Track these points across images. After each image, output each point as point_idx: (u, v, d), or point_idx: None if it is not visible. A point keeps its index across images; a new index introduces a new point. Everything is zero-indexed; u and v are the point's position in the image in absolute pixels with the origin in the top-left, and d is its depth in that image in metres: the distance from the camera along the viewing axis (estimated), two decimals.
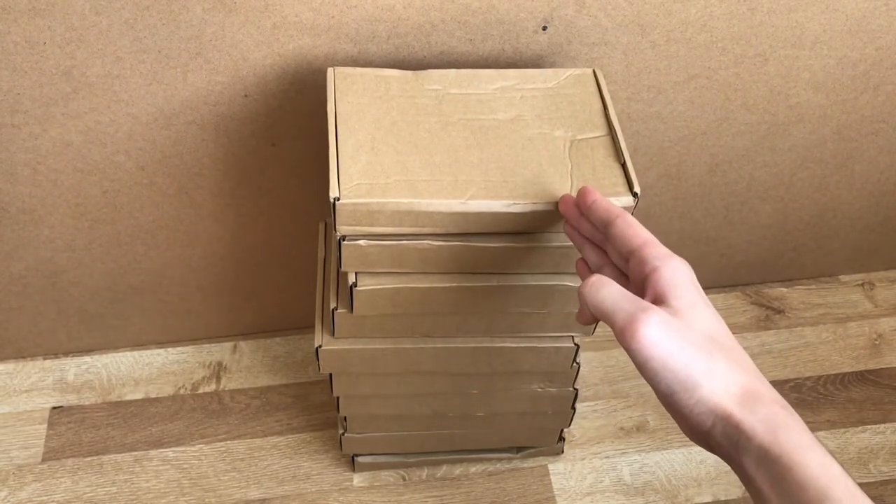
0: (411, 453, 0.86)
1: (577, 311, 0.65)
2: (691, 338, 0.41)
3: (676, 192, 0.87)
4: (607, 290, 0.43)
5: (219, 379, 0.96)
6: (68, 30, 0.61)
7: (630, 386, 0.95)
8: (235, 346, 0.99)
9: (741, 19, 0.69)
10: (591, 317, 0.45)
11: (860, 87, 0.78)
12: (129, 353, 0.97)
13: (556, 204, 0.55)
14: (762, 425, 0.38)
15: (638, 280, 0.45)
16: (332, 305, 0.63)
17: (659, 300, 0.43)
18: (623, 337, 0.41)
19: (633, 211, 0.56)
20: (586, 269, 0.53)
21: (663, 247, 0.46)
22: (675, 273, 0.43)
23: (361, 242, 0.56)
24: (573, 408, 0.78)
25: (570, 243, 0.57)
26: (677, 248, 0.95)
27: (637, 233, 0.47)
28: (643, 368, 0.41)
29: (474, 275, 0.60)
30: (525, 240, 0.57)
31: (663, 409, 0.99)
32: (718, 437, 0.40)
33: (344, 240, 0.56)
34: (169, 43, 0.63)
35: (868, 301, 1.04)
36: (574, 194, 0.53)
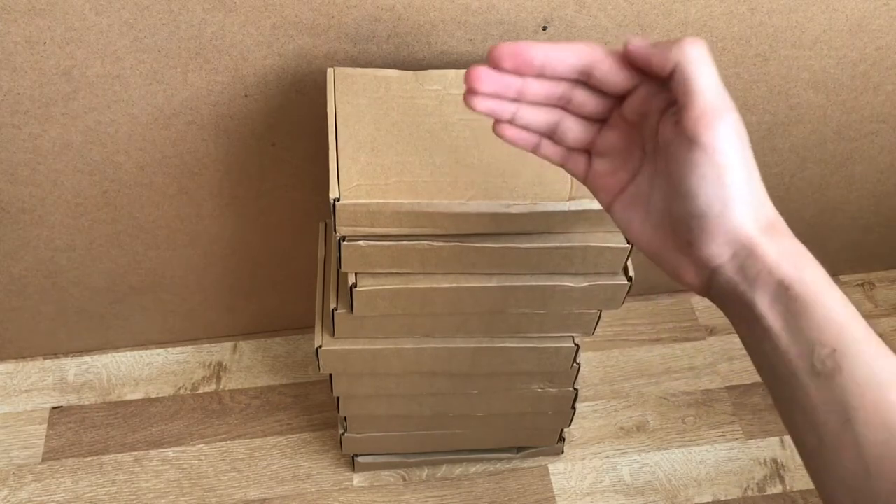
0: (411, 453, 0.86)
1: (577, 311, 0.65)
2: (747, 154, 0.37)
3: None
4: (709, 68, 0.37)
5: (219, 379, 0.96)
6: (68, 30, 0.61)
7: (630, 386, 0.95)
8: (235, 346, 0.99)
9: (741, 19, 0.69)
10: (650, 64, 0.38)
11: (860, 87, 0.78)
12: (129, 353, 0.97)
13: (552, 210, 0.54)
14: (787, 259, 0.36)
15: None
16: (332, 306, 0.63)
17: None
18: (699, 122, 0.36)
19: None
20: (525, 133, 0.44)
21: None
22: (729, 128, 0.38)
23: (361, 243, 0.56)
24: (573, 408, 0.78)
25: (570, 244, 0.57)
26: None
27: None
28: (699, 170, 0.37)
29: (474, 275, 0.60)
30: (525, 240, 0.57)
31: (663, 409, 0.99)
32: (730, 272, 0.37)
33: (344, 240, 0.56)
34: (169, 43, 0.63)
35: (868, 301, 1.04)
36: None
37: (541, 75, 0.40)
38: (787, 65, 0.74)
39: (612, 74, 0.40)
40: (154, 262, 0.85)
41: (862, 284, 1.06)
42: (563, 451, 0.89)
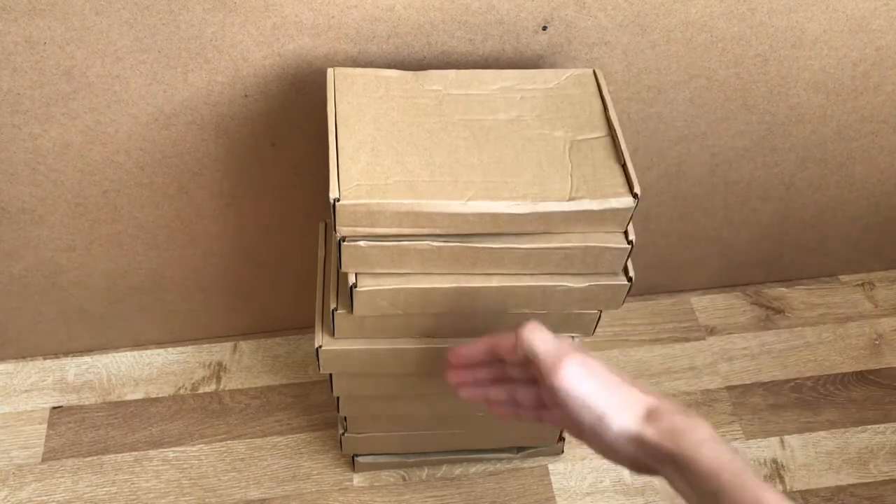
0: (411, 453, 0.86)
1: (577, 311, 0.65)
2: (601, 374, 0.49)
3: (676, 192, 0.87)
4: (541, 335, 0.51)
5: (219, 379, 0.96)
6: (68, 30, 0.61)
7: None
8: (235, 346, 0.99)
9: (741, 19, 0.69)
10: (523, 358, 0.52)
11: (860, 87, 0.78)
12: (129, 353, 0.97)
13: (552, 210, 0.55)
14: (665, 435, 0.46)
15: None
16: (332, 306, 0.63)
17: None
18: (549, 376, 0.49)
19: (633, 212, 0.56)
20: (501, 406, 0.59)
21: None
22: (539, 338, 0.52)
23: (361, 243, 0.56)
24: None
25: (571, 244, 0.58)
26: (677, 248, 0.96)
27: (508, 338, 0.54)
28: (567, 406, 0.49)
29: (474, 275, 0.60)
30: (525, 240, 0.57)
31: None
32: (642, 457, 0.47)
33: (344, 241, 0.56)
34: (169, 43, 0.63)
35: (868, 301, 1.04)
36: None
37: (480, 364, 0.58)
38: (787, 65, 0.74)
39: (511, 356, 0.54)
40: (154, 262, 0.85)
41: (862, 284, 1.06)
42: (563, 451, 0.89)
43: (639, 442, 0.47)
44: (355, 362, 0.69)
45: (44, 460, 0.89)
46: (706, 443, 0.45)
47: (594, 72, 0.64)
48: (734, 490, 0.42)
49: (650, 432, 0.46)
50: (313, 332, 0.68)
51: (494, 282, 0.61)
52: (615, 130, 0.59)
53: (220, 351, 0.98)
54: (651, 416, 0.47)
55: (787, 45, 0.72)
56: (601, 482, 0.88)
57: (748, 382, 0.96)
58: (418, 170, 0.56)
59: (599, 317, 0.66)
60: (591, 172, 0.56)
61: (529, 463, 0.89)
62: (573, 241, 0.57)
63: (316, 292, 0.69)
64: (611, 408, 0.47)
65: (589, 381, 0.48)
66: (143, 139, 0.71)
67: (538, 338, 0.51)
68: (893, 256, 1.05)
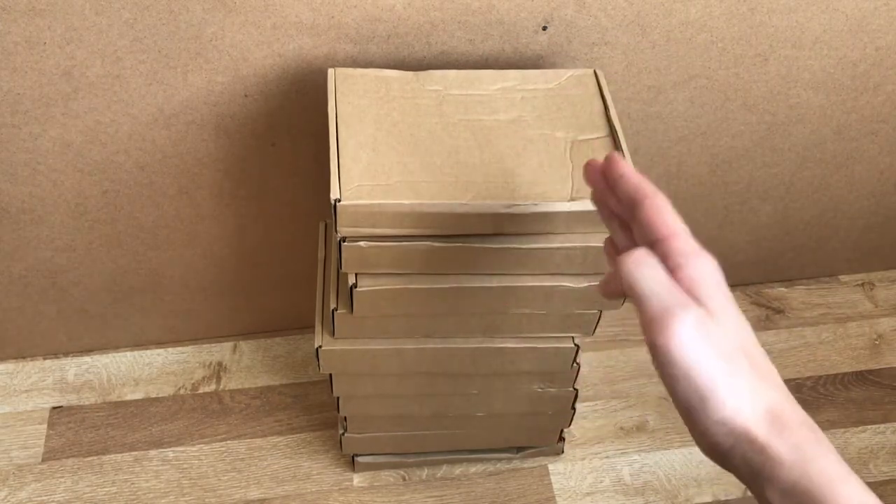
0: (411, 453, 0.86)
1: (577, 311, 0.65)
2: (723, 346, 0.37)
3: (676, 192, 0.87)
4: (649, 271, 0.38)
5: (219, 379, 0.96)
6: (68, 30, 0.61)
7: (630, 386, 0.95)
8: (235, 346, 0.98)
9: (741, 19, 0.69)
10: (620, 291, 0.40)
11: (860, 87, 0.78)
12: (129, 353, 0.97)
13: (553, 211, 0.54)
14: (792, 454, 0.35)
15: None
16: (333, 306, 0.63)
17: None
18: (650, 329, 0.37)
19: None
20: (613, 250, 0.47)
21: (692, 241, 0.40)
22: (702, 272, 0.39)
23: (362, 244, 0.56)
24: (573, 408, 0.78)
25: (571, 244, 0.57)
26: None
27: (665, 221, 0.41)
28: (664, 371, 0.37)
29: (475, 276, 0.60)
30: (525, 241, 0.57)
31: (663, 408, 0.99)
32: (738, 459, 0.37)
33: (344, 241, 0.56)
34: (169, 43, 0.63)
35: (868, 301, 1.04)
36: (608, 155, 0.45)
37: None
38: (787, 65, 0.74)
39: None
40: (154, 262, 0.85)
41: (862, 284, 1.06)
42: (563, 451, 0.89)
43: (748, 443, 0.36)
44: (355, 362, 0.69)
45: (44, 460, 0.89)
46: (846, 481, 0.35)
47: (594, 72, 0.64)
48: None
49: (771, 442, 0.35)
50: (313, 332, 0.68)
51: (494, 282, 0.61)
52: (616, 130, 0.59)
53: (220, 351, 0.98)
54: (774, 420, 0.36)
55: (787, 45, 0.72)
56: (601, 482, 0.88)
57: None
58: (419, 170, 0.56)
59: (599, 317, 0.66)
60: None
61: (529, 463, 0.89)
62: (573, 241, 0.58)
63: (316, 292, 0.69)
64: (721, 391, 0.36)
65: (702, 348, 0.36)
66: (143, 139, 0.71)
67: (646, 275, 0.38)
68: (893, 256, 1.05)
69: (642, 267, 0.38)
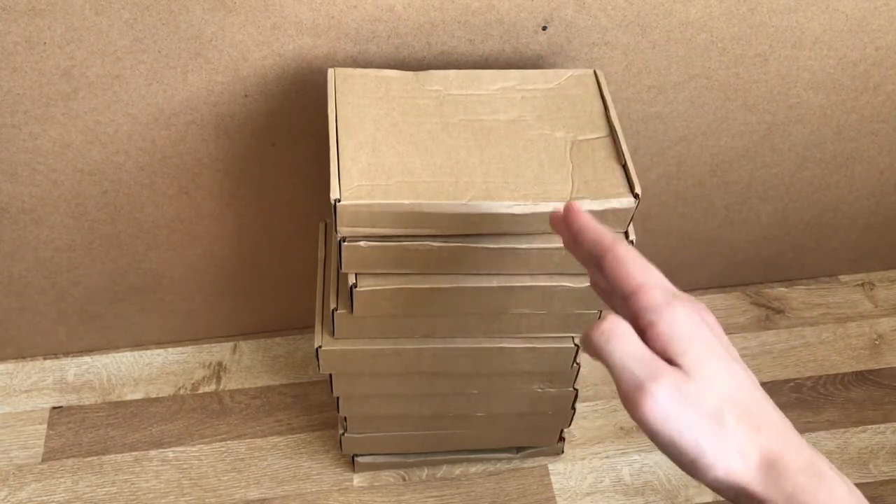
0: (411, 453, 0.86)
1: (577, 311, 0.65)
2: (704, 405, 0.36)
3: (676, 192, 0.87)
4: (618, 344, 0.37)
5: (219, 379, 0.96)
6: (68, 30, 0.61)
7: None
8: (235, 346, 0.98)
9: (741, 19, 0.69)
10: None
11: (860, 87, 0.78)
12: (129, 353, 0.97)
13: (559, 204, 0.54)
14: (792, 500, 0.35)
15: (636, 331, 0.39)
16: (332, 306, 0.63)
17: (663, 358, 0.37)
18: (626, 404, 0.37)
19: (634, 212, 0.56)
20: (600, 291, 0.46)
21: (660, 290, 0.38)
22: (675, 325, 0.37)
23: (362, 244, 0.56)
24: (573, 408, 0.78)
25: None
26: (677, 248, 0.96)
27: (629, 274, 0.39)
28: (651, 439, 0.37)
29: (475, 276, 0.60)
30: (526, 241, 0.57)
31: None
32: None
33: (344, 241, 0.56)
34: (169, 43, 0.63)
35: (868, 301, 1.04)
36: (566, 205, 0.44)
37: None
38: (787, 65, 0.74)
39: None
40: (154, 262, 0.85)
41: (862, 284, 1.06)
42: (563, 451, 0.89)
43: (747, 498, 0.36)
44: (355, 362, 0.69)
45: (44, 460, 0.89)
46: None
47: (594, 72, 0.64)
48: None
49: (767, 493, 0.35)
50: (313, 332, 0.68)
51: (494, 282, 0.61)
52: (616, 131, 0.59)
53: (220, 351, 0.98)
54: (770, 468, 0.35)
55: (787, 45, 0.72)
56: (601, 482, 0.88)
57: None
58: (419, 170, 0.56)
59: (599, 317, 0.66)
60: (591, 173, 0.56)
61: (529, 463, 0.89)
62: None
63: (316, 292, 0.69)
64: (707, 454, 0.35)
65: (682, 414, 0.35)
66: (143, 139, 0.71)
67: (616, 349, 0.37)
68: (893, 256, 1.05)
69: (612, 341, 0.37)
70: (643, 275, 0.39)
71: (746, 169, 0.86)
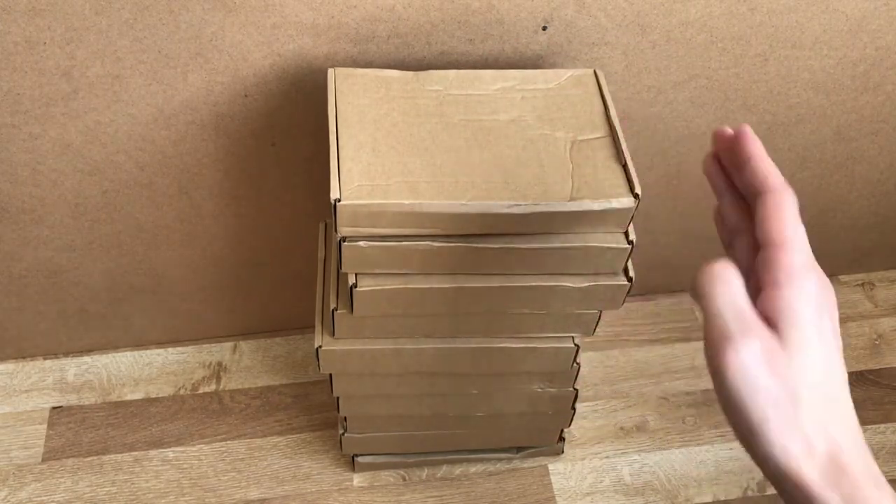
0: (411, 453, 0.86)
1: (577, 311, 0.65)
2: (788, 381, 0.34)
3: (676, 192, 0.87)
4: (723, 288, 0.35)
5: (219, 379, 0.96)
6: (68, 30, 0.61)
7: (630, 386, 0.95)
8: (235, 346, 0.98)
9: (741, 19, 0.69)
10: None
11: (860, 87, 0.78)
12: (129, 353, 0.97)
13: (553, 211, 0.54)
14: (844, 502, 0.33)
15: (759, 286, 0.37)
16: (332, 306, 0.63)
17: (771, 322, 0.35)
18: (708, 349, 0.35)
19: (634, 212, 0.56)
20: (722, 226, 0.43)
21: (802, 257, 0.36)
22: (800, 296, 0.35)
23: (362, 244, 0.56)
24: (573, 408, 0.78)
25: (571, 244, 0.57)
26: (677, 248, 0.96)
27: (782, 225, 0.37)
28: (717, 393, 0.35)
29: (475, 276, 0.60)
30: (526, 241, 0.57)
31: (663, 409, 0.99)
32: (785, 495, 0.35)
33: (344, 241, 0.56)
34: (169, 43, 0.63)
35: (868, 301, 1.04)
36: (741, 128, 0.41)
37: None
38: (787, 65, 0.74)
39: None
40: (154, 262, 0.85)
41: (862, 284, 1.06)
42: (563, 451, 0.89)
43: (799, 490, 0.34)
44: (355, 362, 0.69)
45: (44, 460, 0.89)
46: None
47: (594, 72, 0.64)
48: None
49: (822, 492, 0.33)
50: (313, 332, 0.68)
51: (494, 282, 0.61)
52: (616, 131, 0.59)
53: (220, 351, 0.98)
54: (832, 464, 0.33)
55: (787, 45, 0.72)
56: (601, 482, 0.88)
57: None
58: (419, 170, 0.56)
59: (599, 317, 0.66)
60: (591, 173, 0.56)
61: (529, 463, 0.89)
62: (573, 241, 0.57)
63: (316, 292, 0.69)
64: (771, 429, 0.33)
65: (759, 380, 0.33)
66: (143, 139, 0.71)
67: (719, 292, 0.35)
68: (893, 256, 1.05)
69: (717, 284, 0.35)
70: (794, 231, 0.37)
71: None
